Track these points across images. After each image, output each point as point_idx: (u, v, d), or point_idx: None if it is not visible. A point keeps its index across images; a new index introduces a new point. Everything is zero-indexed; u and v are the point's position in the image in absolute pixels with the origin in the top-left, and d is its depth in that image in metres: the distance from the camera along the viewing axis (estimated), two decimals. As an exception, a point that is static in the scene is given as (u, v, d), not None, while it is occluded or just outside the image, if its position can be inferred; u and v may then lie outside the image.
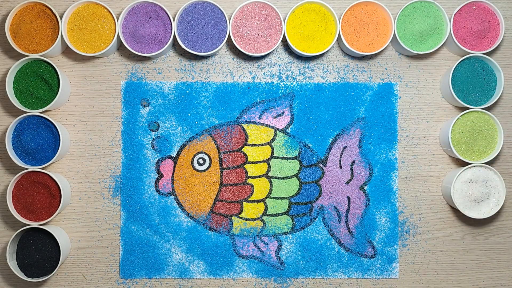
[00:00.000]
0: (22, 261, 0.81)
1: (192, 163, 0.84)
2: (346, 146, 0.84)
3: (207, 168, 0.84)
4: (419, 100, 0.87)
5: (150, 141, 0.84)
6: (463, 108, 0.86)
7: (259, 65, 0.87)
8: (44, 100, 0.82)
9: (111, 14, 0.82)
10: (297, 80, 0.87)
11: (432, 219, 0.87)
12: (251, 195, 0.84)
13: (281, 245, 0.83)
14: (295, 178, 0.84)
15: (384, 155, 0.85)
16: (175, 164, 0.84)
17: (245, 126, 0.84)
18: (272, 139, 0.84)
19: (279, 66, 0.87)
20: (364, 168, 0.84)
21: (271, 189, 0.84)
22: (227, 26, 0.82)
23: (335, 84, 0.85)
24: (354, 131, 0.84)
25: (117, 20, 0.82)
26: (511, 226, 0.88)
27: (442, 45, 0.85)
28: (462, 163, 0.87)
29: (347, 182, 0.84)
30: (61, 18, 0.82)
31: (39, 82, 0.82)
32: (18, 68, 0.82)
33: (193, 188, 0.84)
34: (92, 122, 0.86)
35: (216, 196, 0.84)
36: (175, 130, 0.84)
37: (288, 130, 0.84)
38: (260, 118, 0.84)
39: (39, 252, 0.81)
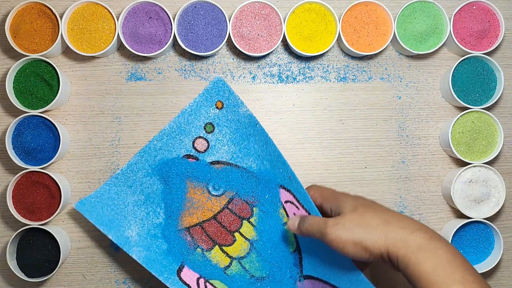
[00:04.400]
0: (22, 261, 0.81)
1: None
2: None
3: (216, 196, 0.80)
4: (419, 100, 0.87)
5: (192, 140, 0.80)
6: (463, 108, 0.86)
7: (259, 65, 0.87)
8: (44, 100, 0.82)
9: (111, 14, 0.82)
10: (297, 80, 0.87)
11: (432, 219, 0.87)
12: (227, 246, 0.80)
13: None
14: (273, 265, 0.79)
15: None
16: None
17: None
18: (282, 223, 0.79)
19: (279, 66, 0.87)
20: None
21: (243, 256, 0.79)
22: (227, 26, 0.82)
23: None
24: None
25: (117, 20, 0.82)
26: (511, 226, 0.88)
27: (442, 45, 0.85)
28: (462, 163, 0.87)
29: None
30: (61, 18, 0.82)
31: (39, 82, 0.82)
32: (18, 68, 0.82)
33: (191, 201, 0.81)
34: (92, 122, 0.86)
35: (202, 222, 0.80)
36: (223, 142, 0.79)
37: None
38: (285, 203, 0.78)
39: (39, 252, 0.81)
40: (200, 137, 0.80)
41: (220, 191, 0.80)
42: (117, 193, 0.79)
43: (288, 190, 0.76)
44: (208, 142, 0.80)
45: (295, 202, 0.75)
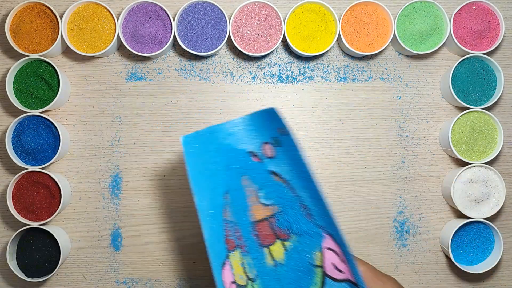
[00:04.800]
0: (22, 261, 0.81)
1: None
2: None
3: (263, 205, 0.75)
4: (419, 100, 0.87)
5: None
6: (463, 108, 0.86)
7: (259, 65, 0.87)
8: (44, 100, 0.82)
9: (111, 14, 0.82)
10: (297, 80, 0.87)
11: (432, 219, 0.87)
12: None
13: None
14: None
15: None
16: None
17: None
18: (316, 265, 0.74)
19: (279, 66, 0.87)
20: None
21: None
22: (227, 26, 0.82)
23: None
24: None
25: (117, 20, 0.82)
26: (511, 226, 0.88)
27: (442, 45, 0.85)
28: (462, 163, 0.87)
29: None
30: (61, 18, 0.82)
31: (39, 82, 0.82)
32: (18, 68, 0.82)
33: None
34: (92, 122, 0.86)
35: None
36: (285, 162, 0.74)
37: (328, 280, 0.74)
38: (326, 249, 0.73)
39: (39, 252, 0.81)
40: (270, 143, 0.76)
41: (269, 202, 0.75)
42: (200, 151, 0.71)
43: (334, 240, 0.73)
44: (275, 152, 0.77)
45: (340, 255, 0.71)
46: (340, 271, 0.71)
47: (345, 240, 0.69)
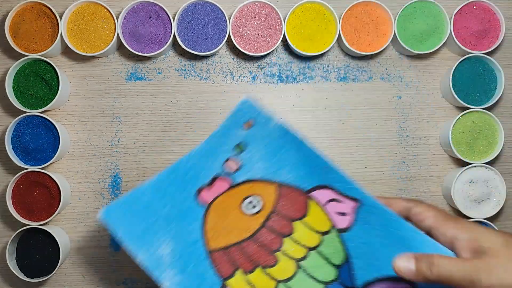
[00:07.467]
0: (22, 261, 0.81)
1: (243, 200, 0.71)
2: None
3: (252, 214, 0.71)
4: (419, 100, 0.87)
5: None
6: (463, 108, 0.85)
7: (259, 65, 0.87)
8: (44, 100, 0.82)
9: (111, 14, 0.82)
10: (297, 80, 0.87)
11: (432, 219, 0.87)
12: (269, 267, 0.70)
13: None
14: (323, 286, 0.69)
15: None
16: (228, 189, 0.71)
17: (310, 202, 0.70)
18: (325, 232, 0.70)
19: (279, 66, 0.87)
20: None
21: (291, 278, 0.70)
22: (227, 26, 0.82)
23: None
24: None
25: (117, 20, 0.82)
26: (511, 226, 0.88)
27: (442, 45, 0.85)
28: (462, 163, 0.86)
29: None
30: (61, 18, 0.82)
31: (39, 82, 0.82)
32: (17, 68, 0.82)
33: (226, 219, 0.71)
34: (92, 122, 0.86)
35: (239, 242, 0.71)
36: (255, 160, 0.71)
37: (343, 234, 0.70)
38: (326, 203, 0.70)
39: (39, 252, 0.81)
40: (230, 158, 0.73)
41: (254, 210, 0.70)
42: (148, 204, 0.68)
43: (326, 186, 0.67)
44: (239, 162, 0.74)
45: (336, 196, 0.66)
46: (343, 214, 0.67)
47: (330, 170, 0.65)
